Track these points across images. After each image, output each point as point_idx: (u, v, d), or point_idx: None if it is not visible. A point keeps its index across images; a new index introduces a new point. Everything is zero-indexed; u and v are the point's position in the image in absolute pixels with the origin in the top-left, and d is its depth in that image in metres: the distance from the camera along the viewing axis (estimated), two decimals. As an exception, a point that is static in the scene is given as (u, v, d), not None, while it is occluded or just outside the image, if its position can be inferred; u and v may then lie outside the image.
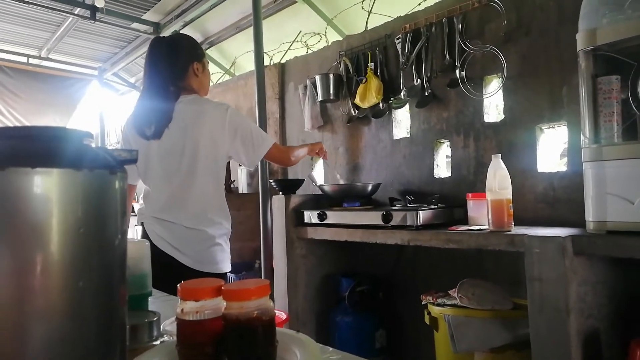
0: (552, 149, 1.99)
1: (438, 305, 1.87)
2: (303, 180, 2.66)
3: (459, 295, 1.81)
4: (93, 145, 0.44)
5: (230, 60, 4.12)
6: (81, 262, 0.38)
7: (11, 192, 0.35)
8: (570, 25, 1.76)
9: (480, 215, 1.83)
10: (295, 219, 2.42)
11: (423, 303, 1.98)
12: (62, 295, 0.37)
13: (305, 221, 2.37)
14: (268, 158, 1.87)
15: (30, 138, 0.39)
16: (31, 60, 4.81)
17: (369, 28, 2.67)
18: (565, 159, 1.91)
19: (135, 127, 1.75)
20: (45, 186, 0.36)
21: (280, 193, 2.50)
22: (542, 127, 1.96)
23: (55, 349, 0.37)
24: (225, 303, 0.59)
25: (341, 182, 2.56)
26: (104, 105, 5.36)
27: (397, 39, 2.42)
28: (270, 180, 2.66)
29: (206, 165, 1.71)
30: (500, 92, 2.05)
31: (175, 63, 1.74)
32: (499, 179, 1.67)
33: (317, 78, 2.78)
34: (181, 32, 3.91)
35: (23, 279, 0.36)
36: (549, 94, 1.91)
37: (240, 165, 3.22)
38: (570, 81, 1.80)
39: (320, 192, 2.49)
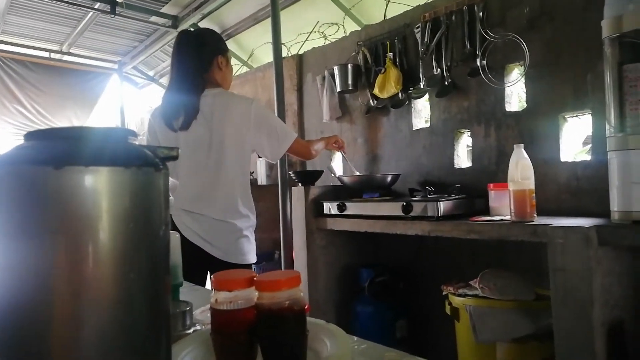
0: (575, 138, 1.96)
1: (459, 295, 1.88)
2: (322, 171, 2.67)
3: (481, 285, 1.81)
4: (137, 143, 0.46)
5: (247, 52, 4.14)
6: (131, 253, 0.41)
7: (66, 190, 0.37)
8: (595, 12, 1.72)
9: (502, 205, 1.82)
10: (314, 210, 2.43)
11: (444, 293, 1.98)
12: (115, 285, 0.39)
13: (325, 212, 2.38)
14: (290, 152, 1.90)
15: (82, 138, 0.41)
16: (53, 55, 4.90)
17: (388, 17, 2.65)
18: (589, 148, 1.88)
19: (163, 119, 1.78)
20: (97, 183, 0.38)
21: (300, 184, 2.51)
22: (566, 116, 1.93)
23: (108, 336, 0.39)
24: (257, 293, 0.61)
25: (357, 174, 2.55)
26: (124, 99, 5.44)
27: (417, 28, 2.40)
28: (290, 172, 2.68)
29: (233, 159, 1.74)
30: (522, 80, 2.03)
31: (201, 56, 1.77)
32: (521, 168, 1.66)
33: (336, 69, 2.77)
34: (199, 24, 3.94)
35: (78, 270, 0.38)
36: (572, 82, 1.88)
37: (259, 157, 3.25)
38: (595, 69, 1.76)
39: (339, 184, 2.50)
